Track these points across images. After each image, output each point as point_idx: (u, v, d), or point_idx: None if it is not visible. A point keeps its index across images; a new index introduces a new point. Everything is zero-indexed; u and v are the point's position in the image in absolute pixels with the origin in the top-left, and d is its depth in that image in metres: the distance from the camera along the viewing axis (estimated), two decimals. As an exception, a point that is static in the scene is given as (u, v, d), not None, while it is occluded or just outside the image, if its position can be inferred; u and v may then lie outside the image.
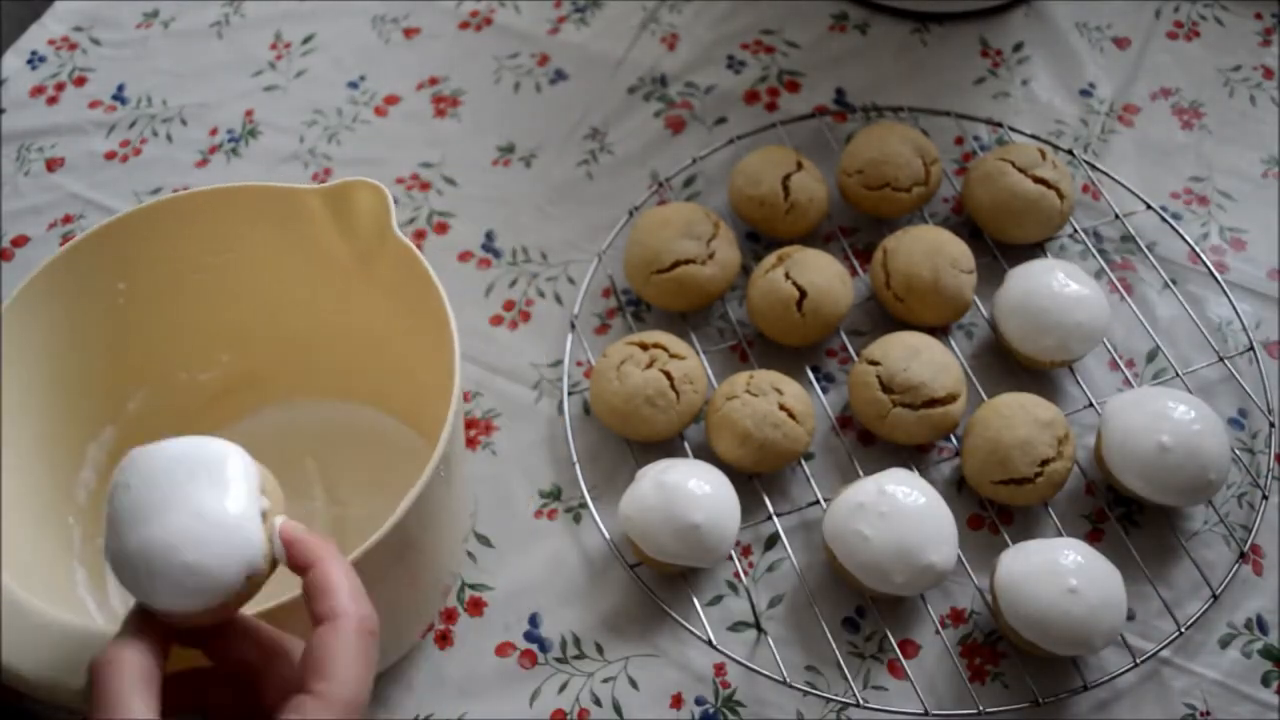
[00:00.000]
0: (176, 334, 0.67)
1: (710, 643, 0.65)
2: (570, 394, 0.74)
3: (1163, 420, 0.66)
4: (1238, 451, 0.72)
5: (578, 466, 0.71)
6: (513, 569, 0.69)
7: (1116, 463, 0.67)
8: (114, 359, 0.65)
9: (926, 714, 0.63)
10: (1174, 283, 0.77)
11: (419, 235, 0.82)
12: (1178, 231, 0.80)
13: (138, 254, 0.63)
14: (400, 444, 0.70)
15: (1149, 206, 0.80)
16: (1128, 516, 0.70)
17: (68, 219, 0.83)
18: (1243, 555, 0.68)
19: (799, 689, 0.64)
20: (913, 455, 0.72)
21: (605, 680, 0.65)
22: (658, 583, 0.68)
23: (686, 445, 0.72)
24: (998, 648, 0.66)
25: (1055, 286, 0.72)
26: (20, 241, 0.82)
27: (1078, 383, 0.74)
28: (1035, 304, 0.71)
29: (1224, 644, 0.66)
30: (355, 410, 0.73)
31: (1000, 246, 0.78)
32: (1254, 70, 0.88)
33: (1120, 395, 0.70)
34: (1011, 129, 0.84)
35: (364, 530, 0.51)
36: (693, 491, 0.64)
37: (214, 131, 0.87)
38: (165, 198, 0.63)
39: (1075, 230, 0.79)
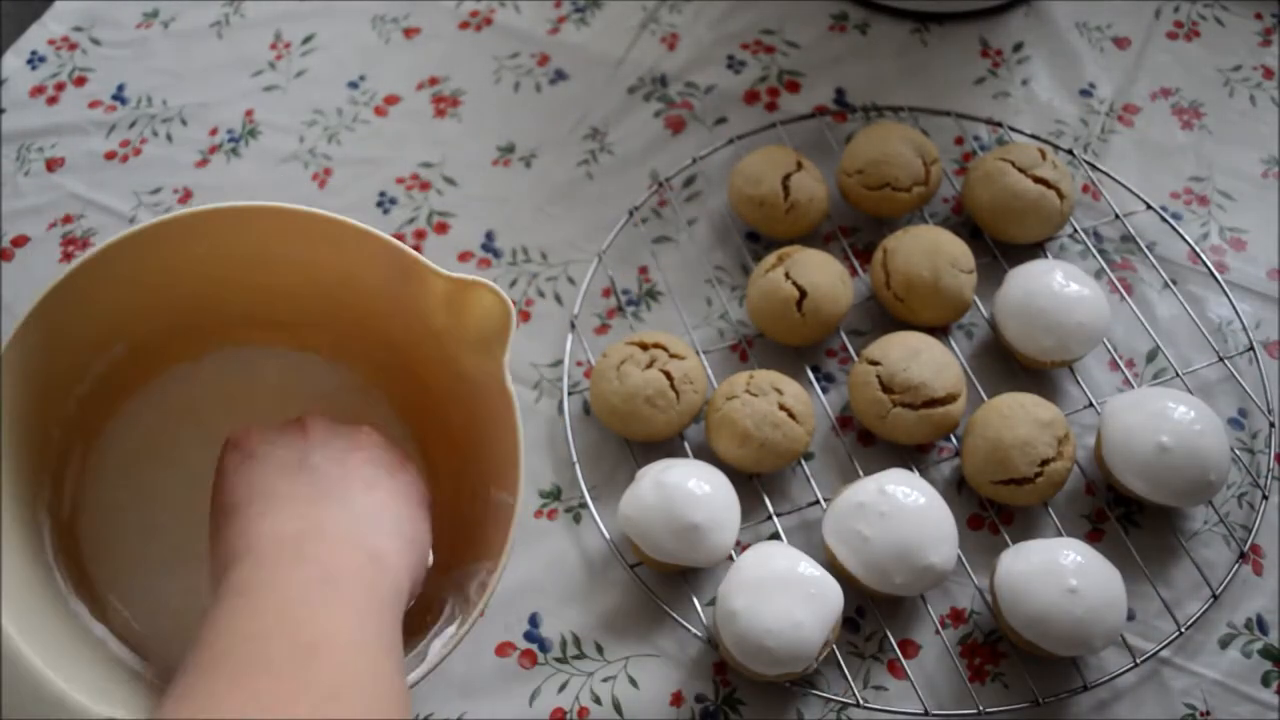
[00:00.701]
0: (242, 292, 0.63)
1: (710, 642, 0.65)
2: (570, 394, 0.74)
3: (1163, 420, 0.66)
4: (1238, 451, 0.72)
5: (578, 466, 0.71)
6: (512, 569, 0.69)
7: (1116, 463, 0.67)
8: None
9: (926, 714, 0.63)
10: (1174, 283, 0.77)
11: (419, 235, 0.82)
12: (1178, 231, 0.80)
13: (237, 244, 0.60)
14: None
15: (1149, 206, 0.80)
16: (1128, 516, 0.70)
17: (68, 219, 0.83)
18: (1243, 555, 0.68)
19: (799, 688, 0.64)
20: (913, 455, 0.72)
21: (605, 680, 0.65)
22: (658, 582, 0.68)
23: (686, 445, 0.72)
24: (998, 648, 0.66)
25: (1055, 286, 0.72)
26: (20, 241, 0.82)
27: (1078, 383, 0.74)
28: (1035, 304, 0.71)
29: (1224, 644, 0.66)
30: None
31: (1000, 246, 0.78)
32: (1254, 70, 0.88)
33: (1120, 395, 0.70)
34: (1011, 129, 0.84)
35: None
36: (693, 491, 0.64)
37: (214, 131, 0.87)
38: (271, 205, 0.59)
39: (1075, 230, 0.79)
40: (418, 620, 0.58)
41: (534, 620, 0.67)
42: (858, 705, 0.64)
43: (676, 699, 0.65)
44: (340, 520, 0.50)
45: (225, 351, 0.66)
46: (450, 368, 0.61)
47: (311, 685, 0.42)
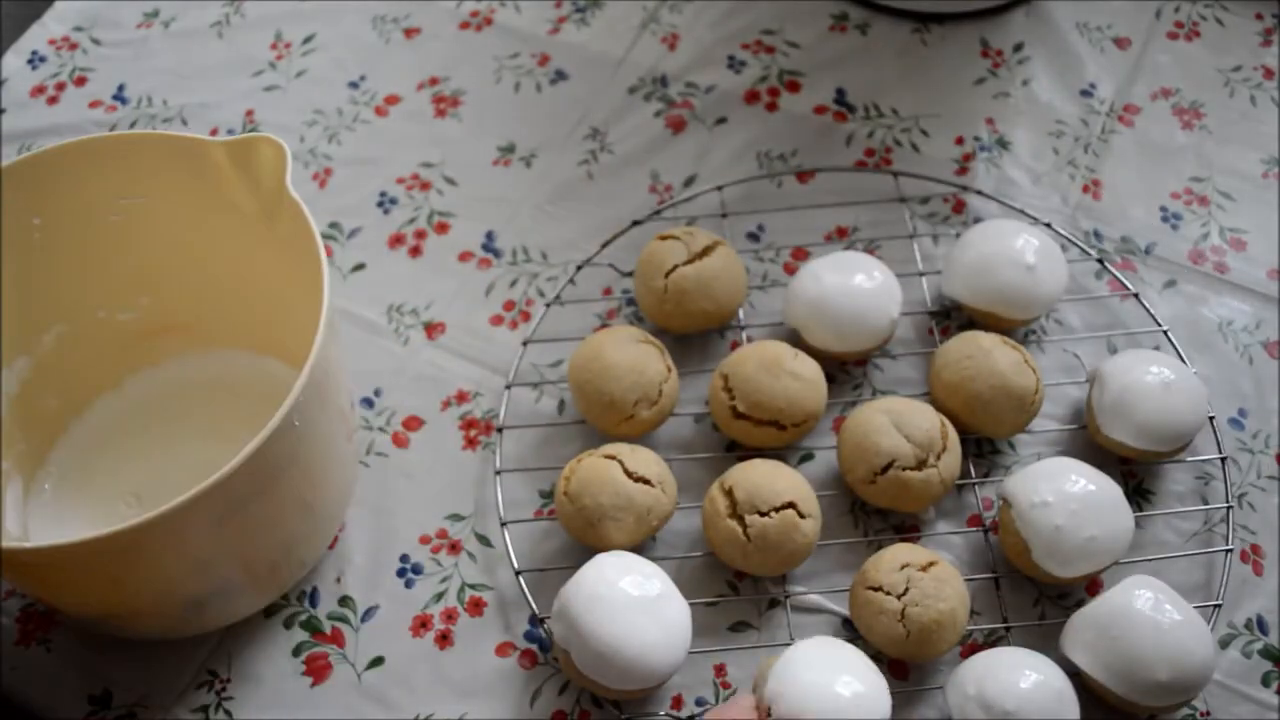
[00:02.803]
0: (93, 272, 0.69)
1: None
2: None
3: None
4: (1238, 452, 0.72)
5: (578, 466, 0.71)
6: (513, 569, 0.69)
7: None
8: (29, 291, 0.67)
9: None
10: (1174, 283, 0.77)
11: (419, 235, 0.82)
12: (1178, 231, 0.80)
13: (51, 192, 0.65)
14: None
15: (1149, 207, 0.80)
16: (1128, 516, 0.70)
17: (68, 219, 0.83)
18: (1243, 555, 0.68)
19: (799, 689, 0.64)
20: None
21: (605, 680, 0.65)
22: (658, 583, 0.68)
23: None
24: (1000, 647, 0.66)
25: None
26: (20, 241, 0.82)
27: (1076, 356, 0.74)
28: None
29: (1224, 644, 0.66)
30: (268, 364, 0.74)
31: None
32: (1254, 70, 0.88)
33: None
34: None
35: None
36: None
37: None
38: (79, 139, 0.65)
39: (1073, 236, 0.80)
40: None
41: (534, 620, 0.67)
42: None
43: (677, 703, 0.65)
44: None
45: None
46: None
47: None
